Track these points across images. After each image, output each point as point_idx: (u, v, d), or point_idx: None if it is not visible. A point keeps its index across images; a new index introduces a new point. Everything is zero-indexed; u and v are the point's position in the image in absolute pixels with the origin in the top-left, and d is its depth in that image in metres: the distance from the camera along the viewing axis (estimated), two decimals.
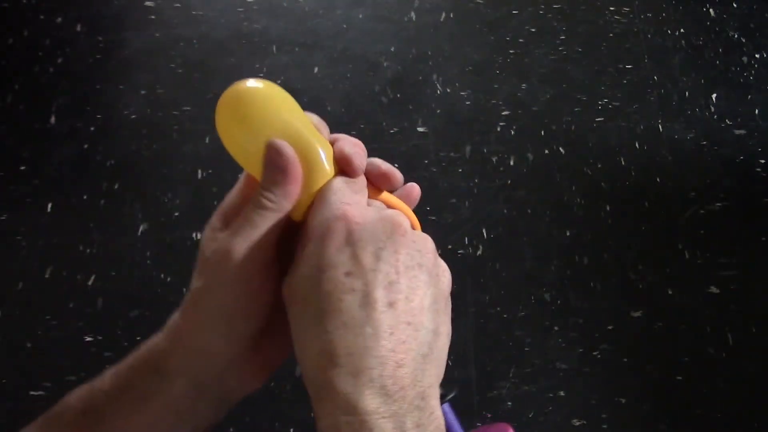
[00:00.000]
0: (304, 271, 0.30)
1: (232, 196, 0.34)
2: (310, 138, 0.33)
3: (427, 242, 0.32)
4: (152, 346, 0.33)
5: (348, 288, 0.29)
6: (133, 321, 0.68)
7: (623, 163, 0.82)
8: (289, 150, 0.32)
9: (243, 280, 0.31)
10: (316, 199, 0.32)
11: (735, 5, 0.97)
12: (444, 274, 0.33)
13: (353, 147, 0.33)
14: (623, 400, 0.66)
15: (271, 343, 0.33)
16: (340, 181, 0.32)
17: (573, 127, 0.84)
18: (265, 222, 0.31)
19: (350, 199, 0.32)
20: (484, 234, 0.75)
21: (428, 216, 0.75)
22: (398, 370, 0.29)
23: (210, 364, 0.32)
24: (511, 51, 0.91)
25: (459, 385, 0.66)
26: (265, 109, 0.34)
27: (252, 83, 0.34)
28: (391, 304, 0.30)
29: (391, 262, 0.30)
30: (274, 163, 0.31)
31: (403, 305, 0.30)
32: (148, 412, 0.31)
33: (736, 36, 0.94)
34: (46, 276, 0.71)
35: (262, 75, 0.86)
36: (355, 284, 0.29)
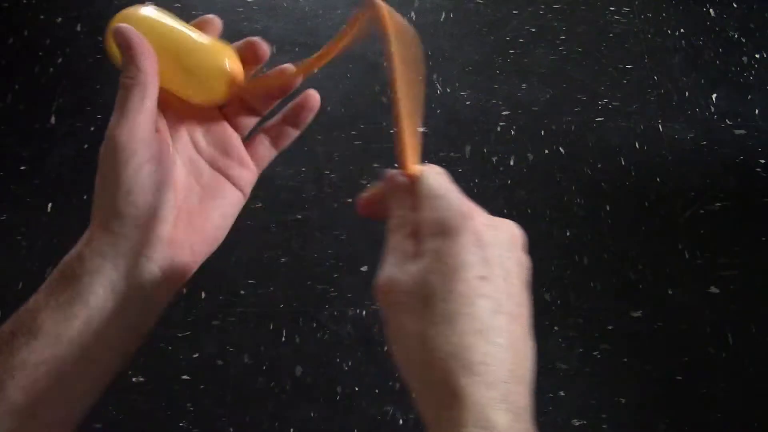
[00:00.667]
0: (431, 266, 0.29)
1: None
2: (189, 31, 0.35)
3: (518, 235, 0.32)
4: (66, 257, 0.33)
5: (482, 293, 0.28)
6: None
7: (623, 163, 0.82)
8: (128, 29, 0.32)
9: (130, 157, 0.32)
10: (420, 191, 0.32)
11: (735, 5, 0.97)
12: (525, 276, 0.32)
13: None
14: (623, 400, 0.66)
15: (186, 230, 0.33)
16: (444, 176, 0.32)
17: (573, 127, 0.84)
18: (132, 99, 0.32)
19: (464, 200, 0.31)
20: None
21: None
22: (520, 387, 0.27)
23: (122, 254, 0.32)
24: (511, 51, 0.91)
25: None
26: (145, 21, 0.36)
27: (128, 9, 0.36)
28: (515, 317, 0.29)
29: (514, 273, 0.30)
30: (120, 44, 0.32)
31: (523, 319, 0.29)
32: (75, 317, 0.31)
33: (736, 36, 0.94)
34: (46, 276, 0.72)
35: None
36: (488, 290, 0.28)
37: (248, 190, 0.36)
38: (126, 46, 0.32)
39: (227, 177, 0.35)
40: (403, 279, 0.29)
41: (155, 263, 0.31)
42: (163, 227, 0.32)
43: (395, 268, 0.30)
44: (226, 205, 0.34)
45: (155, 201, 0.32)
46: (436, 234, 0.30)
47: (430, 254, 0.29)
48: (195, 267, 0.33)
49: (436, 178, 0.32)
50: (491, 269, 0.29)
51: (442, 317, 0.28)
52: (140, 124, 0.32)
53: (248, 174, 0.36)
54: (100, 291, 0.31)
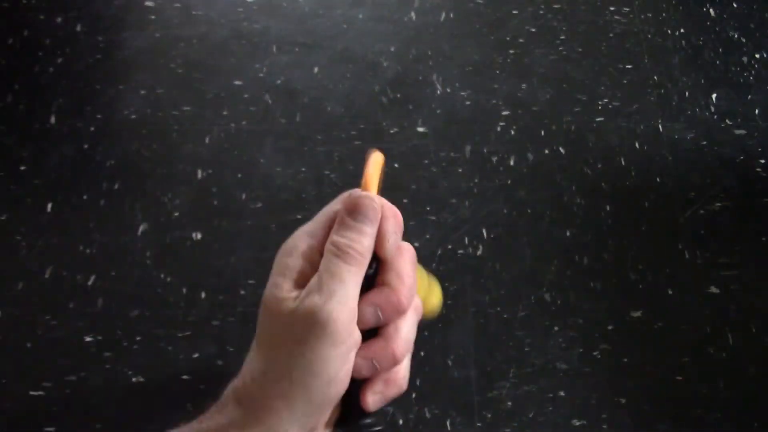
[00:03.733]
0: None
1: (295, 258, 0.32)
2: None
3: None
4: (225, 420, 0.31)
5: None
6: (133, 321, 0.68)
7: (623, 163, 0.82)
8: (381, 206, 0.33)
9: (343, 342, 0.30)
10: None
11: (735, 5, 0.97)
12: None
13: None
14: (623, 400, 0.66)
15: None
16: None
17: (573, 127, 0.84)
18: (357, 273, 0.31)
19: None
20: (484, 234, 0.75)
21: (428, 216, 0.75)
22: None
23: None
24: (511, 51, 0.91)
25: (459, 385, 0.66)
26: None
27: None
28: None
29: None
30: (364, 210, 0.32)
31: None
32: None
33: (736, 36, 0.94)
34: (46, 276, 0.71)
35: (261, 75, 0.86)
36: None
37: None
38: (371, 218, 0.31)
39: None
40: None
41: None
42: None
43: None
44: None
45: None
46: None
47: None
48: None
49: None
50: None
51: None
52: (354, 310, 0.30)
53: None
54: None
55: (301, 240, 0.32)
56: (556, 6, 0.96)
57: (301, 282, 0.29)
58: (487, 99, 0.86)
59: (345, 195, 0.32)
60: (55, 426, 0.63)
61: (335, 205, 0.33)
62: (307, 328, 0.29)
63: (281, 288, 0.30)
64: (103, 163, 0.78)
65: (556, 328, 0.70)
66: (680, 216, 0.78)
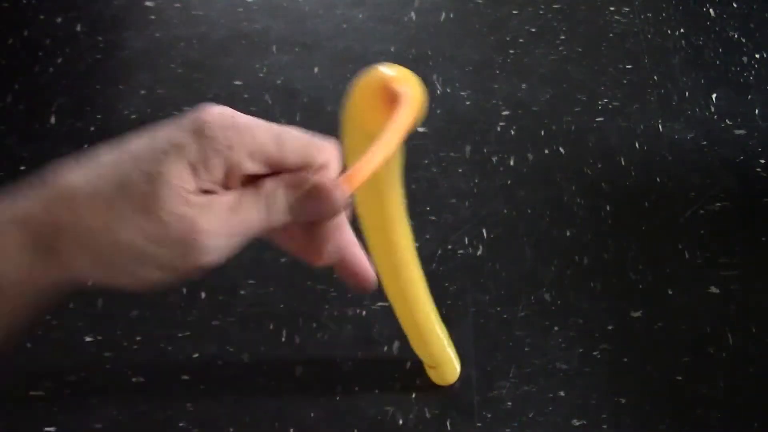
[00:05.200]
0: None
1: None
2: None
3: None
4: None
5: None
6: (133, 321, 0.68)
7: (623, 163, 0.82)
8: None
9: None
10: None
11: (735, 5, 0.97)
12: None
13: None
14: (623, 400, 0.66)
15: None
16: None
17: (573, 127, 0.84)
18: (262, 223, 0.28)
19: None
20: (484, 234, 0.75)
21: (428, 216, 0.75)
22: None
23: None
24: (511, 51, 0.91)
25: (459, 385, 0.66)
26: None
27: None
28: None
29: None
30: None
31: None
32: None
33: (736, 36, 0.94)
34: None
35: (261, 75, 0.86)
36: None
37: None
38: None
39: None
40: None
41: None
42: None
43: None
44: None
45: None
46: None
47: None
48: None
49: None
50: None
51: None
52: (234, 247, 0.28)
53: None
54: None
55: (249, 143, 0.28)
56: (556, 6, 0.96)
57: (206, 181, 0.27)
58: (487, 99, 0.86)
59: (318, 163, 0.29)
60: (55, 426, 0.63)
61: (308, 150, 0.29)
62: (174, 231, 0.26)
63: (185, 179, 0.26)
64: None
65: (556, 328, 0.70)
66: (680, 216, 0.78)
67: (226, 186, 0.28)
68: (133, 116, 0.81)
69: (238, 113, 0.29)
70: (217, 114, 0.28)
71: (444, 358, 0.63)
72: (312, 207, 0.29)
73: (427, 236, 0.73)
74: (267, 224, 0.29)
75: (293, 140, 0.29)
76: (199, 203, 0.27)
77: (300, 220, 0.30)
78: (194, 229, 0.26)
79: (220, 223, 0.27)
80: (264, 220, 0.28)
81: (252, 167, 0.28)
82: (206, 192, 0.27)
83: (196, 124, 0.28)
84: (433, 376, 0.65)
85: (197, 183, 0.27)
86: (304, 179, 0.29)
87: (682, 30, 0.94)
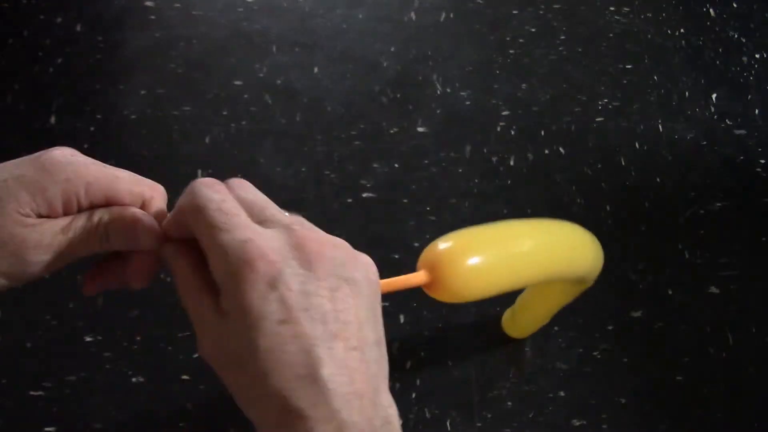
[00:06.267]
0: (229, 329, 0.29)
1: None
2: None
3: (338, 248, 0.30)
4: None
5: (287, 337, 0.27)
6: (133, 321, 0.68)
7: (623, 163, 0.82)
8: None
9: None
10: (206, 246, 0.30)
11: (735, 5, 0.97)
12: (368, 269, 0.30)
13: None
14: (623, 400, 0.66)
15: None
16: (229, 215, 0.30)
17: (573, 127, 0.84)
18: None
19: (250, 233, 0.29)
20: None
21: (428, 216, 0.75)
22: (361, 401, 0.27)
23: None
24: (511, 51, 0.91)
25: (459, 385, 0.66)
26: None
27: None
28: (334, 337, 0.28)
29: (319, 293, 0.28)
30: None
31: (344, 332, 0.28)
32: None
33: (736, 36, 0.94)
34: (46, 276, 0.71)
35: (261, 75, 0.86)
36: (293, 330, 0.27)
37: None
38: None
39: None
40: (214, 349, 0.30)
41: None
42: None
43: (203, 338, 0.31)
44: None
45: None
46: (226, 292, 0.29)
47: (224, 317, 0.29)
48: None
49: (209, 212, 0.31)
50: (290, 310, 0.27)
51: (260, 378, 0.27)
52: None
53: None
54: None
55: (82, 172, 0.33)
56: (556, 6, 0.96)
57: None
58: (487, 99, 0.86)
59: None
60: (55, 426, 0.63)
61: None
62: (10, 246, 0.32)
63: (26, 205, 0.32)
64: (104, 163, 0.78)
65: (556, 328, 0.70)
66: (680, 216, 0.78)
67: (66, 212, 0.33)
68: (133, 116, 0.81)
69: (80, 153, 0.34)
70: (59, 152, 0.33)
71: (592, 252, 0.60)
72: (128, 234, 0.34)
73: (427, 236, 0.73)
74: (90, 246, 0.34)
75: (127, 177, 0.35)
76: (31, 224, 0.32)
77: (119, 245, 0.34)
78: (23, 246, 0.32)
79: (47, 241, 0.32)
80: (87, 241, 0.34)
81: (88, 199, 0.33)
82: (43, 216, 0.32)
83: (40, 159, 0.32)
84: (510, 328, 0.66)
85: (34, 207, 0.32)
86: (128, 210, 0.34)
87: (682, 30, 0.94)
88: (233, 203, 0.31)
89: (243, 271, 0.28)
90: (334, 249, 0.30)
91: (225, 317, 0.29)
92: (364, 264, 0.31)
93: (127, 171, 0.36)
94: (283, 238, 0.29)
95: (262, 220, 0.31)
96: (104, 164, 0.35)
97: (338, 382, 0.27)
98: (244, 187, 0.34)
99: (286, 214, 0.32)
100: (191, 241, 0.33)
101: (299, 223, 0.31)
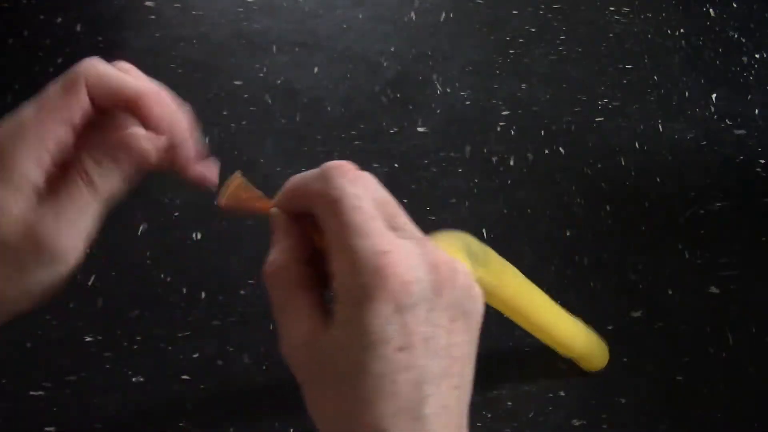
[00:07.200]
0: (335, 340, 0.26)
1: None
2: None
3: (464, 275, 0.27)
4: None
5: (402, 367, 0.25)
6: (133, 321, 0.68)
7: (623, 163, 0.82)
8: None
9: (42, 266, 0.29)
10: (334, 243, 0.26)
11: (735, 5, 0.97)
12: (481, 303, 0.28)
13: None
14: (623, 400, 0.66)
15: None
16: (367, 217, 0.26)
17: (573, 127, 0.84)
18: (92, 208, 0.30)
19: (388, 243, 0.25)
20: (484, 234, 0.75)
21: (428, 216, 0.75)
22: None
23: None
24: (511, 51, 0.91)
25: None
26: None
27: None
28: (443, 374, 0.26)
29: (442, 323, 0.26)
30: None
31: (452, 368, 0.27)
32: None
33: (736, 36, 0.94)
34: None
35: (261, 75, 0.86)
36: (409, 360, 0.25)
37: None
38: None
39: None
40: (304, 356, 0.27)
41: None
42: None
43: (293, 339, 0.27)
44: None
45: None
46: (349, 303, 0.25)
47: (341, 324, 0.25)
48: None
49: (357, 222, 0.26)
50: (411, 337, 0.25)
51: (358, 399, 0.25)
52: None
53: None
54: None
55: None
56: (556, 6, 0.96)
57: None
58: (487, 99, 0.86)
59: None
60: (55, 426, 0.63)
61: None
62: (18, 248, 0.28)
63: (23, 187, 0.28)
64: None
65: None
66: (680, 216, 0.78)
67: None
68: None
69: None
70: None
71: (591, 348, 0.64)
72: (127, 155, 0.31)
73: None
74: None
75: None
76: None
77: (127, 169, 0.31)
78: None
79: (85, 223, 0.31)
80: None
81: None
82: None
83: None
84: (585, 365, 0.66)
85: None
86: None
87: (682, 30, 0.94)
88: (371, 202, 0.27)
89: (373, 286, 0.25)
90: (463, 276, 0.27)
91: (333, 326, 0.26)
92: (479, 296, 0.28)
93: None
94: (421, 255, 0.26)
95: (395, 227, 0.27)
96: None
97: (437, 423, 0.25)
98: (373, 182, 0.29)
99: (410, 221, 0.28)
100: (302, 217, 0.28)
101: (426, 238, 0.28)
